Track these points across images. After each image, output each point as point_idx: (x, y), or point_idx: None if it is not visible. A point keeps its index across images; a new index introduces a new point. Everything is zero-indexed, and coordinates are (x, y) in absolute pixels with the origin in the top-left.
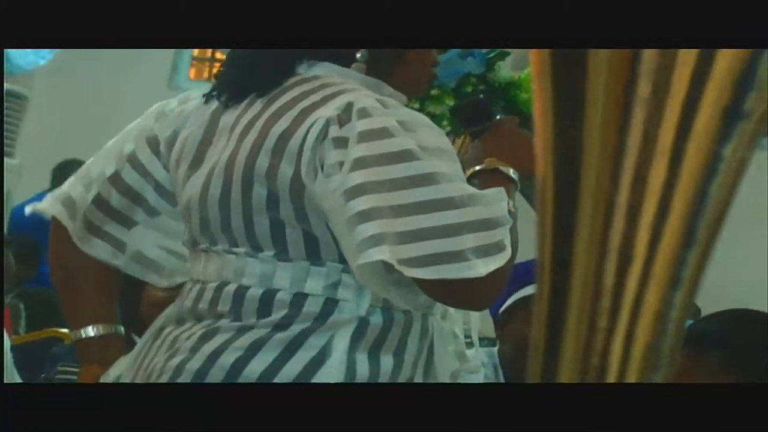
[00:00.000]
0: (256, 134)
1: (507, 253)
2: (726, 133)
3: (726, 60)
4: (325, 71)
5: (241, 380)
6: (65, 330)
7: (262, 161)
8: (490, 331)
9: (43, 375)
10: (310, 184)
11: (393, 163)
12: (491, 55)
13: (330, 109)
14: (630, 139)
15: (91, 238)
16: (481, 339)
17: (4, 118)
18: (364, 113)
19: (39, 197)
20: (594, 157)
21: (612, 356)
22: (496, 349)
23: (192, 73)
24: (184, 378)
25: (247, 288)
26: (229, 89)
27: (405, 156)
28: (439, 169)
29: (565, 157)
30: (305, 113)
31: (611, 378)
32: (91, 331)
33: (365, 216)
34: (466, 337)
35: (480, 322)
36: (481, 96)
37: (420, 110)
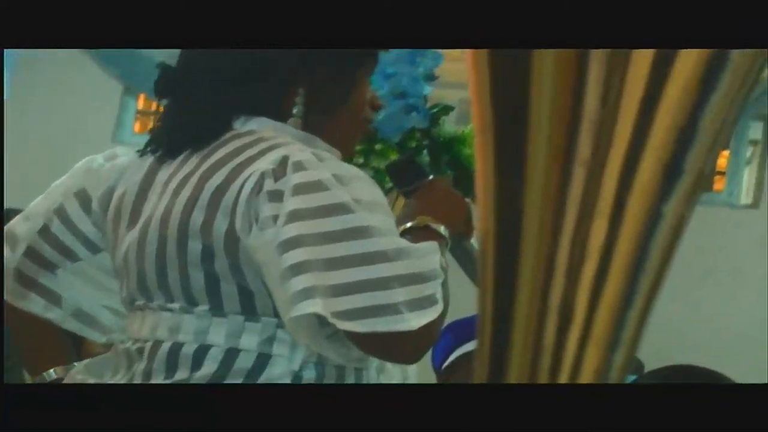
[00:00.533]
0: (191, 189)
1: (439, 307)
2: (666, 191)
3: (667, 117)
4: (260, 126)
5: None
6: None
7: (197, 216)
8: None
9: None
10: (244, 237)
11: (327, 216)
12: (435, 110)
13: (265, 163)
14: (571, 197)
15: (25, 292)
16: None
17: None
18: (299, 166)
19: None
20: (535, 214)
21: None
22: None
23: (137, 126)
24: None
25: (182, 345)
26: (165, 145)
27: (339, 209)
28: (372, 222)
29: (506, 215)
30: (240, 167)
31: None
32: (53, 374)
33: (298, 269)
34: None
35: (419, 376)
36: (410, 156)
37: (364, 165)
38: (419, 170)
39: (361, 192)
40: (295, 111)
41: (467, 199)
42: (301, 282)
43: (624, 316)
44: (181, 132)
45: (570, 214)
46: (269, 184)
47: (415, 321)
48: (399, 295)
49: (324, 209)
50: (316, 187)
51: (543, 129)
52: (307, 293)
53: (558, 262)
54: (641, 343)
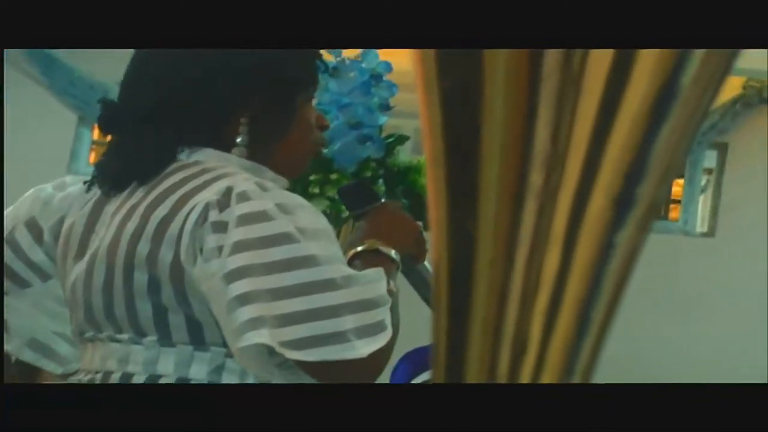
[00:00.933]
0: (138, 220)
1: (388, 333)
2: (618, 221)
3: (617, 149)
4: (206, 156)
5: None
6: None
7: (143, 247)
8: None
9: None
10: (189, 268)
11: (271, 246)
12: (390, 139)
13: (209, 194)
14: (523, 227)
15: None
16: None
17: None
18: (243, 197)
19: None
20: (487, 245)
21: None
22: None
23: (92, 157)
24: None
25: (131, 375)
26: (110, 178)
27: (283, 239)
28: (317, 251)
29: (458, 245)
30: (185, 198)
31: None
32: None
33: (244, 299)
34: None
35: None
36: (362, 180)
37: (320, 195)
38: (371, 194)
39: (305, 221)
40: (238, 140)
41: (420, 223)
42: (247, 312)
43: (578, 345)
44: (126, 167)
45: (522, 244)
46: (214, 215)
47: (364, 348)
48: (347, 322)
49: (268, 239)
50: (260, 217)
51: (494, 161)
52: (253, 324)
53: (511, 292)
54: (595, 372)
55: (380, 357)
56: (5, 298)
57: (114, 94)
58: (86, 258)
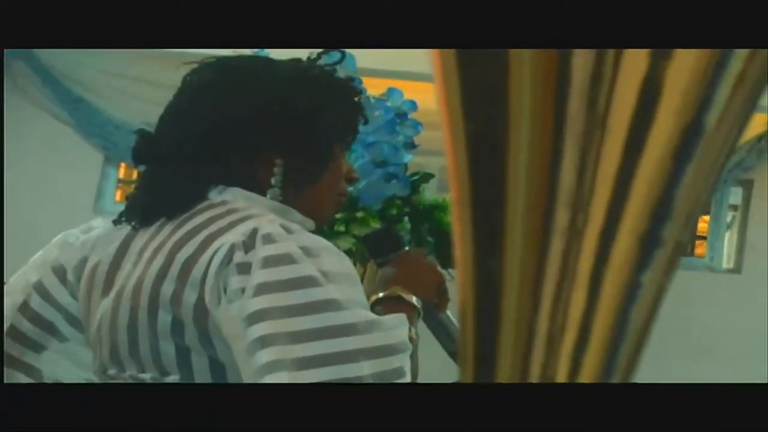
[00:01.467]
0: (162, 260)
1: (406, 380)
2: (644, 261)
3: (642, 189)
4: (234, 196)
5: None
6: None
7: (167, 288)
8: None
9: None
10: (213, 310)
11: (293, 289)
12: (416, 177)
13: (235, 235)
14: (549, 268)
15: (8, 371)
16: None
17: None
18: (268, 239)
19: None
20: (513, 286)
21: None
22: None
23: (118, 195)
24: None
25: None
26: (140, 214)
27: (306, 282)
28: (338, 295)
29: (484, 286)
30: (210, 239)
31: None
32: None
33: (263, 342)
34: None
35: None
36: (387, 227)
37: (345, 233)
38: (395, 242)
39: (329, 264)
40: (273, 181)
41: (448, 270)
42: (266, 355)
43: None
44: (156, 201)
45: (549, 284)
46: (239, 257)
47: None
48: (365, 368)
49: (290, 282)
50: (284, 260)
51: (520, 201)
52: (271, 367)
53: (538, 332)
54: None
55: None
56: (42, 351)
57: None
58: (112, 295)
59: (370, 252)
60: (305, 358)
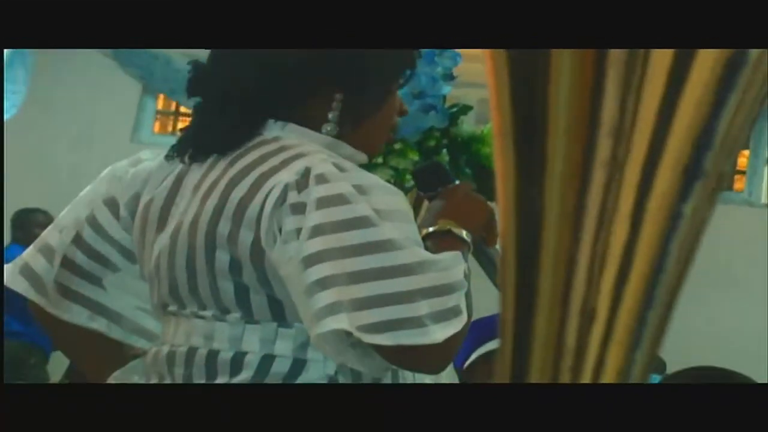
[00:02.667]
0: (217, 199)
1: (463, 318)
2: (686, 192)
3: (685, 120)
4: (285, 132)
5: None
6: None
7: (223, 227)
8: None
9: None
10: (269, 250)
11: (349, 230)
12: (454, 109)
13: (288, 174)
14: (590, 199)
15: (67, 303)
16: None
17: None
18: (321, 179)
19: (6, 251)
20: (554, 217)
21: None
22: None
23: (156, 126)
24: None
25: (218, 352)
26: (192, 149)
27: (361, 223)
28: (395, 235)
29: (526, 217)
30: (263, 178)
31: None
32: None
33: (322, 284)
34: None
35: (449, 374)
36: (437, 162)
37: (384, 164)
38: (445, 176)
39: (383, 202)
40: (330, 116)
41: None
42: (325, 298)
43: (646, 316)
44: (209, 136)
45: (590, 215)
46: (292, 197)
47: (439, 333)
48: (423, 307)
49: (346, 223)
50: (338, 200)
51: (562, 132)
52: (331, 309)
53: (579, 263)
54: (663, 343)
55: (454, 342)
56: (99, 281)
57: (177, 64)
58: (169, 232)
59: (419, 186)
60: (364, 299)
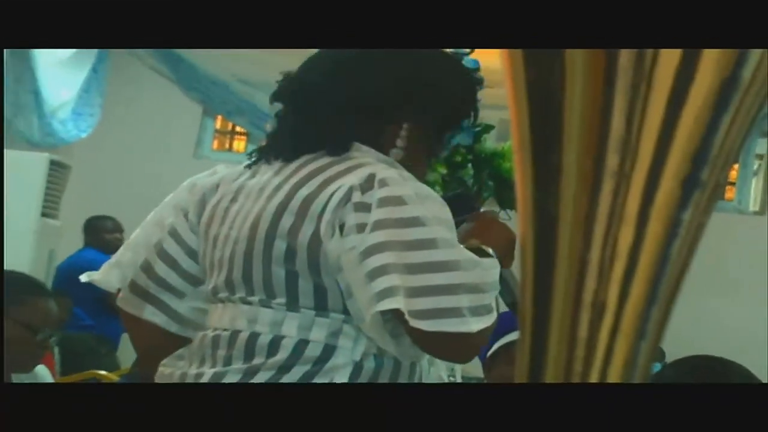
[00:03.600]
0: (283, 197)
1: (494, 315)
2: (685, 201)
3: (684, 136)
4: (351, 148)
5: None
6: (104, 372)
7: (287, 220)
8: (479, 372)
9: None
10: (326, 241)
11: (406, 227)
12: (478, 128)
13: (353, 178)
14: (600, 207)
15: (140, 302)
16: (471, 379)
17: (47, 181)
18: (384, 183)
19: (79, 254)
20: (568, 222)
21: None
22: None
23: (215, 144)
24: None
25: (258, 335)
26: (280, 150)
27: (417, 222)
28: (443, 235)
29: (543, 223)
30: (329, 180)
31: None
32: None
33: (383, 270)
34: (451, 376)
35: (463, 368)
36: (463, 191)
37: None
38: (470, 203)
39: (434, 209)
40: (398, 143)
41: (507, 210)
42: (385, 281)
43: (649, 311)
44: (301, 139)
45: (600, 220)
46: (356, 197)
47: (475, 325)
48: (464, 300)
49: (404, 221)
50: (399, 201)
51: (575, 146)
52: (388, 292)
53: (590, 263)
54: (664, 334)
55: (485, 334)
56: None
57: (233, 88)
58: (232, 226)
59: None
60: (418, 288)
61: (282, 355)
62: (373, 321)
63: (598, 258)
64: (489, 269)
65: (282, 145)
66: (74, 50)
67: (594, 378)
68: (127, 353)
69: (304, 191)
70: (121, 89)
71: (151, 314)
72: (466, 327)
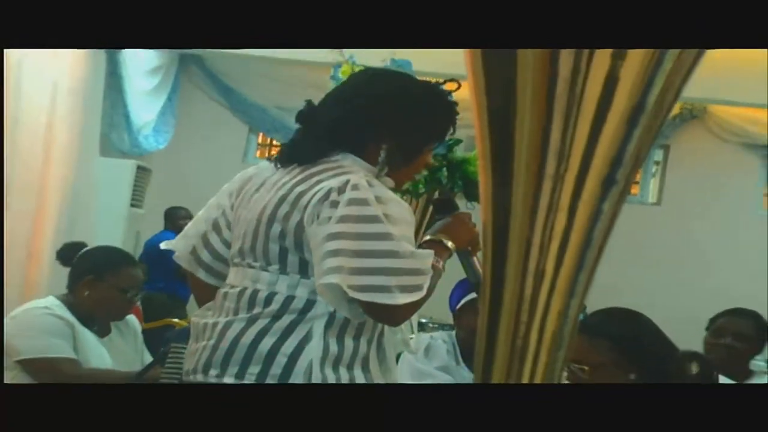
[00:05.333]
0: (285, 191)
1: (421, 293)
2: (604, 195)
3: (605, 145)
4: (345, 159)
5: (256, 355)
6: (176, 319)
7: (283, 208)
8: (450, 320)
9: (162, 349)
10: (307, 227)
11: (363, 222)
12: (450, 142)
13: (335, 182)
14: (541, 200)
15: (199, 268)
16: (443, 325)
17: (134, 180)
18: (354, 187)
19: (159, 235)
20: (518, 212)
21: (530, 339)
22: (454, 332)
23: (258, 154)
24: (218, 355)
25: (258, 291)
26: (284, 157)
27: (372, 219)
28: (393, 231)
29: (499, 212)
30: (319, 182)
31: (530, 354)
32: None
33: (334, 253)
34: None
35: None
36: (448, 195)
37: None
38: (452, 206)
39: (392, 210)
40: (380, 159)
41: (473, 202)
42: (334, 262)
43: (577, 276)
44: (297, 151)
45: (541, 211)
46: (333, 196)
47: (402, 299)
48: (393, 281)
49: (362, 218)
50: (361, 202)
51: (523, 155)
52: (335, 270)
53: (534, 242)
54: (588, 294)
55: (411, 307)
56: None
57: (274, 115)
58: (251, 210)
59: (435, 210)
60: (358, 268)
61: (275, 306)
62: (321, 289)
63: (539, 238)
64: (423, 258)
65: (290, 152)
66: (155, 83)
67: (536, 325)
68: (194, 308)
69: (299, 188)
70: (188, 112)
71: (204, 275)
72: (392, 300)
